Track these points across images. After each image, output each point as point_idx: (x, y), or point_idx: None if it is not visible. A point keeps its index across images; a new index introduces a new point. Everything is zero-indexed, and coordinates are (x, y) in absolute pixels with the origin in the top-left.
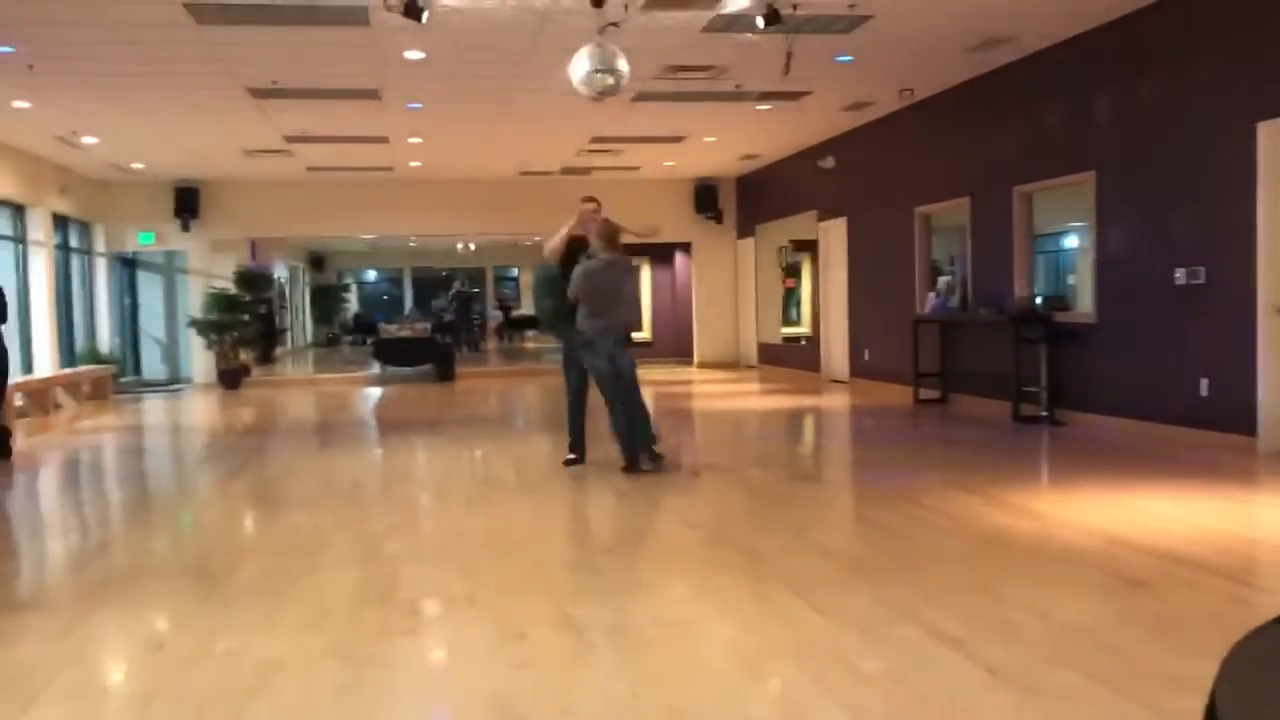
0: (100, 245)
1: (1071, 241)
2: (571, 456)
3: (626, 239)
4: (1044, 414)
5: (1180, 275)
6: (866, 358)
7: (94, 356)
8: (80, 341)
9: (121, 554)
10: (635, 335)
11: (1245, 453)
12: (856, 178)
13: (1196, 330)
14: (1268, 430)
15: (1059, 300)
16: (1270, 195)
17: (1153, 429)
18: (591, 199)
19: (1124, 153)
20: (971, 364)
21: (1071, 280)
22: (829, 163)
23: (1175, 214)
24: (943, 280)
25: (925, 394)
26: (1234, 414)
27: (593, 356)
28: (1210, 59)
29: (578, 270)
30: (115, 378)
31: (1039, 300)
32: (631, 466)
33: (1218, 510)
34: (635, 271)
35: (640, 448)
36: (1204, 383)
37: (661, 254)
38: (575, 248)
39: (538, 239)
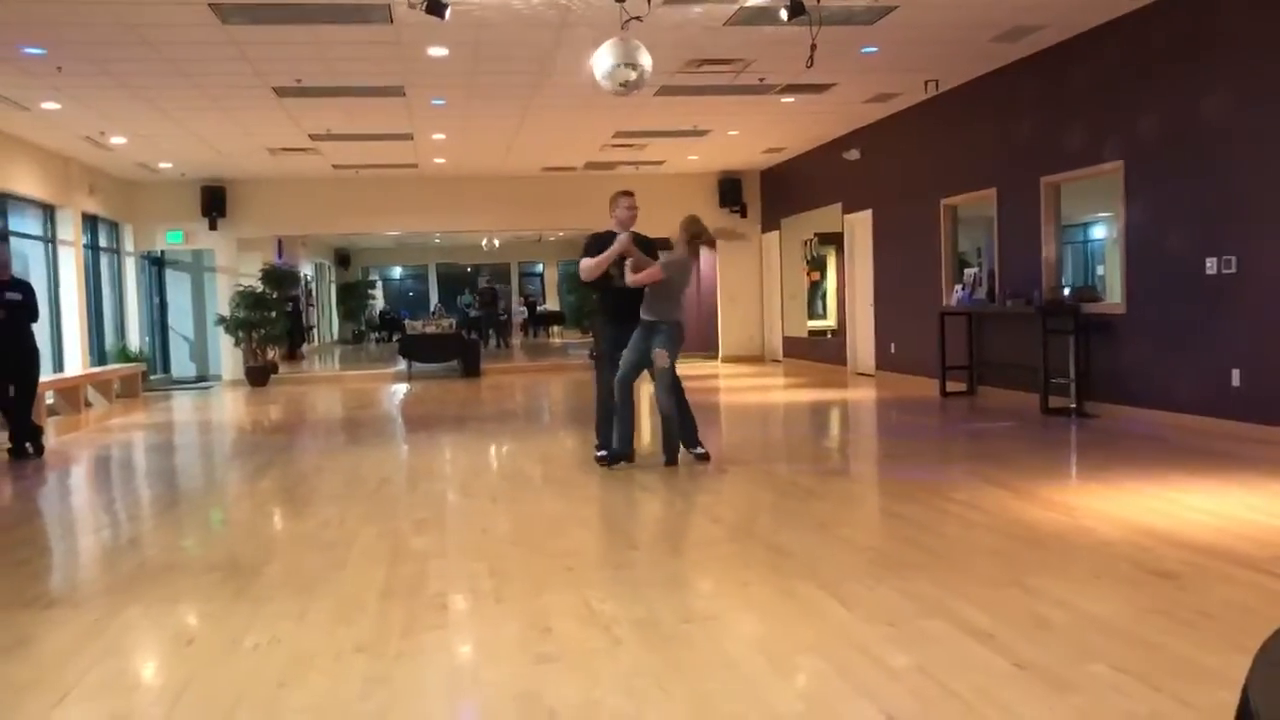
0: (129, 244)
1: (1100, 232)
2: (603, 454)
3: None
4: (1073, 406)
5: (1211, 265)
6: (893, 350)
7: (123, 355)
8: (110, 340)
9: (152, 550)
10: None
11: (1278, 443)
12: (882, 170)
13: (1228, 320)
14: None
15: (1088, 291)
16: None
17: (1183, 420)
18: (628, 193)
19: (1153, 142)
20: (999, 356)
21: (1100, 271)
22: (854, 155)
23: (1206, 203)
24: (969, 272)
25: (952, 387)
26: (1266, 405)
27: (656, 342)
28: (1239, 45)
29: (668, 258)
30: (144, 375)
31: (1067, 291)
32: (625, 458)
33: (1250, 502)
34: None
35: (689, 443)
36: (1235, 373)
37: None
38: (608, 241)
39: (562, 234)
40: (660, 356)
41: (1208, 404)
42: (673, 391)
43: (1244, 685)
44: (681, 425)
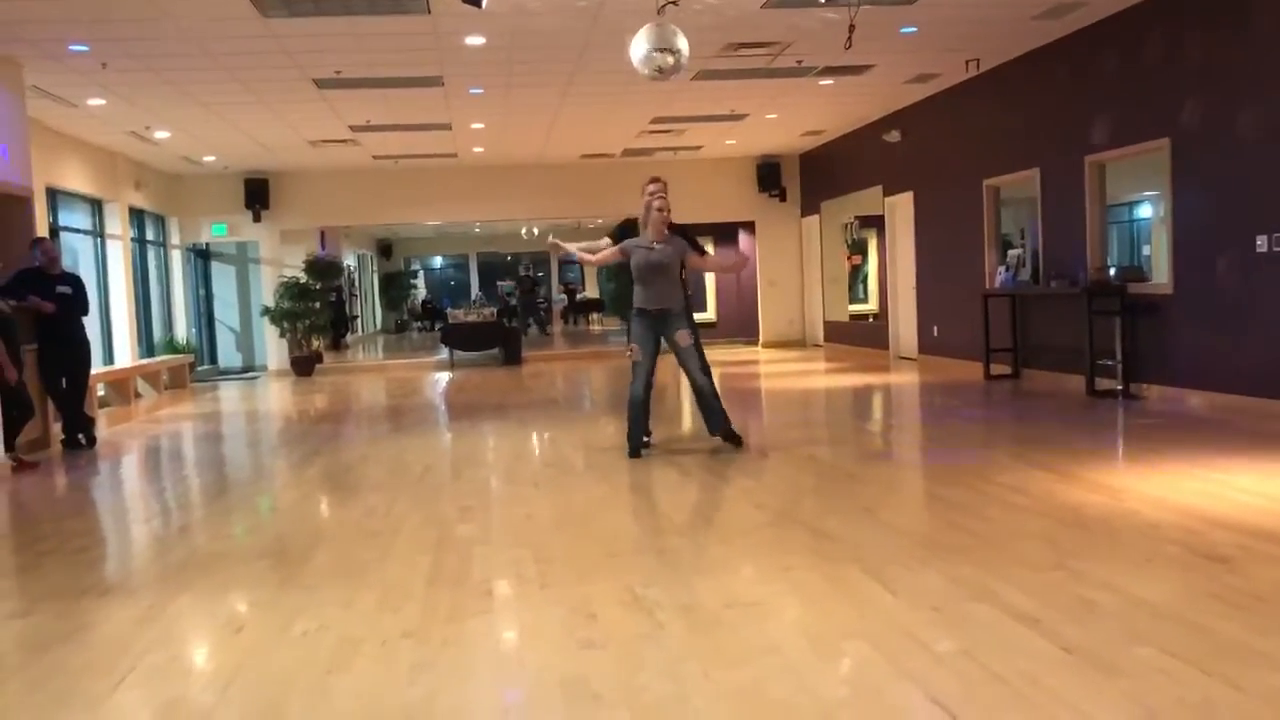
0: (175, 237)
1: (1145, 211)
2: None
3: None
4: (1119, 388)
5: (1262, 242)
6: (936, 334)
7: (171, 346)
8: (158, 332)
9: (202, 539)
10: (699, 315)
11: None
12: (922, 151)
13: (1279, 299)
14: None
15: (1134, 271)
16: None
17: (1233, 401)
18: (656, 179)
19: (1199, 118)
20: (1044, 338)
21: (1146, 250)
22: (894, 136)
23: (1255, 180)
24: (1013, 253)
25: (997, 369)
26: None
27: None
28: None
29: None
30: (192, 367)
31: (1113, 271)
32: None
33: None
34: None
35: (716, 427)
36: None
37: (725, 233)
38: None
39: (601, 222)
40: (683, 336)
41: (1258, 384)
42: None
43: None
44: (711, 412)
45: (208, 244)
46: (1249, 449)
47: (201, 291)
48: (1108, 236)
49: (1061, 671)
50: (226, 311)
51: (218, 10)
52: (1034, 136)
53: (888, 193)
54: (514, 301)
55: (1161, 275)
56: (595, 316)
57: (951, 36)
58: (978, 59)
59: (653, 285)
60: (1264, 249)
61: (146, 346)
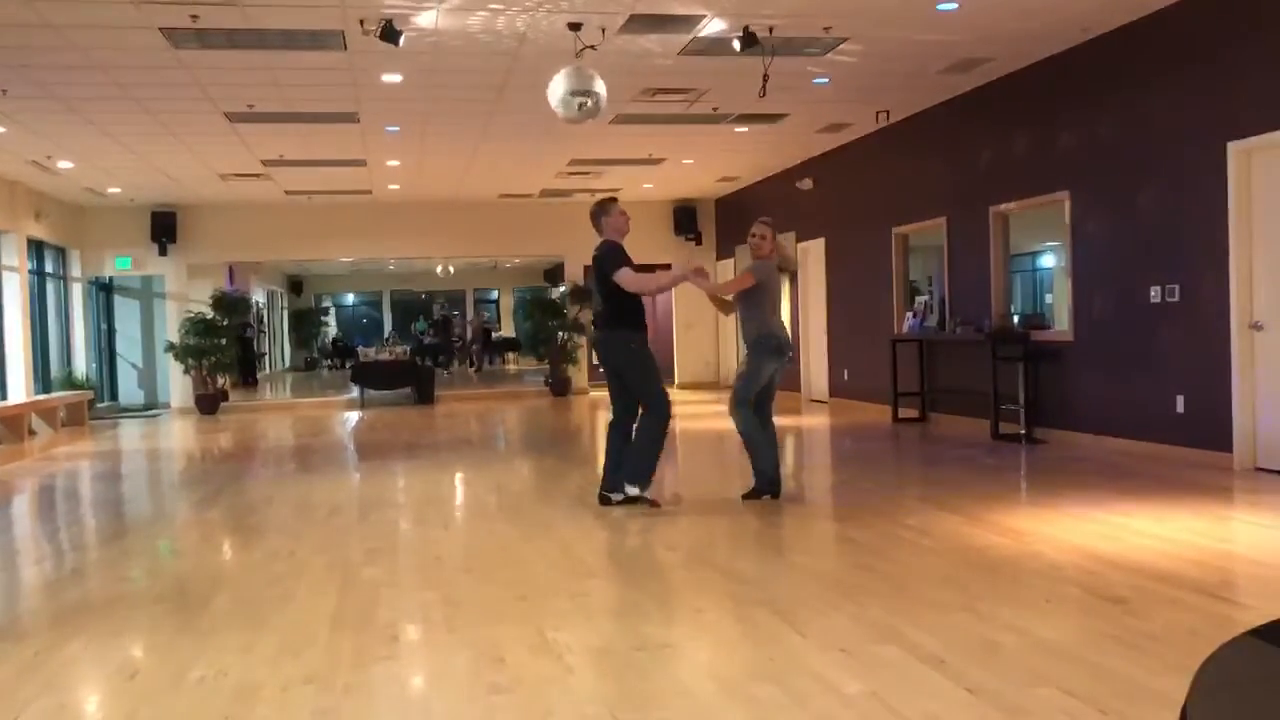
0: (76, 270)
1: (1048, 260)
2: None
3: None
4: (1022, 432)
5: (1155, 293)
6: (846, 377)
7: (70, 382)
8: (56, 367)
9: (97, 582)
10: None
11: (1221, 469)
12: (834, 199)
13: (1172, 348)
14: (1243, 446)
15: (1036, 319)
16: (1240, 213)
17: (1130, 446)
18: (615, 199)
19: (1098, 172)
20: (950, 383)
21: (1049, 299)
22: (807, 184)
23: (1150, 233)
24: (920, 300)
25: (904, 413)
26: (1210, 430)
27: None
28: (1182, 80)
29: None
30: (91, 403)
31: (1016, 319)
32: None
33: (1195, 526)
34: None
35: (614, 486)
36: (1180, 399)
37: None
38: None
39: (518, 261)
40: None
41: (1153, 430)
42: (741, 409)
43: (1183, 707)
44: (615, 465)
45: (111, 277)
46: (1145, 492)
47: (103, 326)
48: (1012, 284)
49: (965, 712)
50: (129, 347)
51: (127, 40)
52: (941, 186)
53: (800, 239)
54: (428, 341)
55: (1063, 323)
56: (511, 356)
57: (862, 88)
58: (888, 110)
59: (777, 314)
60: (1157, 300)
61: (43, 382)
